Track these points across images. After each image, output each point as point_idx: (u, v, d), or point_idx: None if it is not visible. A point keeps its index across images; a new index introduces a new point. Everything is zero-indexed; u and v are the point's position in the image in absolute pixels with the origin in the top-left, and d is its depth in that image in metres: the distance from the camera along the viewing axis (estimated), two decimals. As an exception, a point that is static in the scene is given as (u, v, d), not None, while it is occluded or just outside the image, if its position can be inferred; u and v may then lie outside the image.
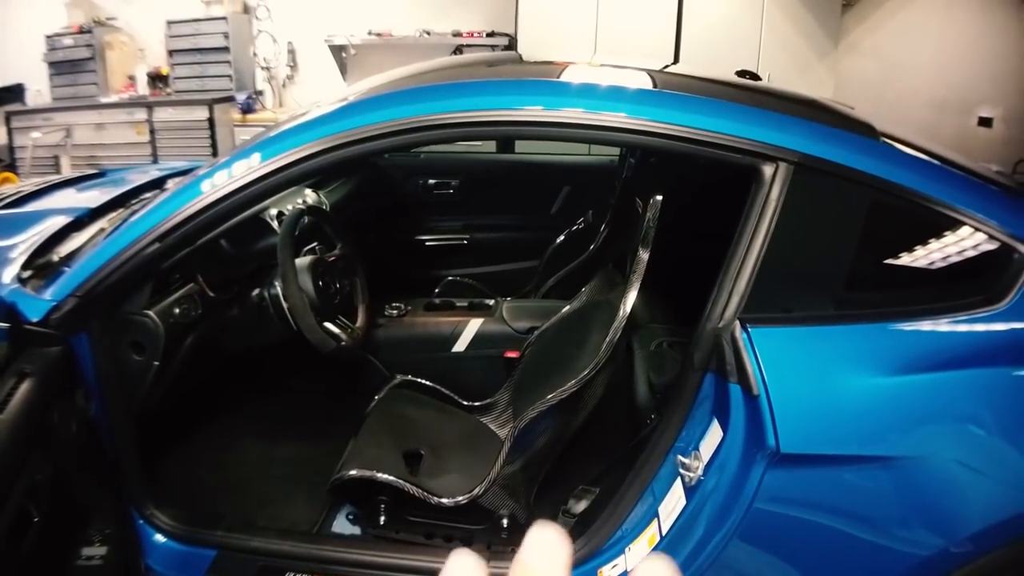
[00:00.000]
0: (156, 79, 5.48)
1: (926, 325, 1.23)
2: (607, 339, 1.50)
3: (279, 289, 1.67)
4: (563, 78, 1.53)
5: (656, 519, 1.42)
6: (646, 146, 1.31)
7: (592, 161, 2.93)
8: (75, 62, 5.56)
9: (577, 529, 1.63)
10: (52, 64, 5.60)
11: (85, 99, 5.50)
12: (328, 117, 1.48)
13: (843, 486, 1.20)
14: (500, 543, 1.79)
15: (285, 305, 1.64)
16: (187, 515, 1.67)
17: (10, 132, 5.33)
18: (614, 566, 1.47)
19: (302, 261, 1.78)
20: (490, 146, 3.31)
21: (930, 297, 1.27)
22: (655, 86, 1.53)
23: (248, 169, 1.40)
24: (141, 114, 5.23)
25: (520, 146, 3.26)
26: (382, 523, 1.81)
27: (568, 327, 1.97)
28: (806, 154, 1.27)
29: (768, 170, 1.27)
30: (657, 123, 1.31)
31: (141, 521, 1.59)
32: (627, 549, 1.46)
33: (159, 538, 1.62)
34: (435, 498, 1.70)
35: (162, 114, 5.23)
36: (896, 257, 1.31)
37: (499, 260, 2.99)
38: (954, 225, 1.28)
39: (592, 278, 1.98)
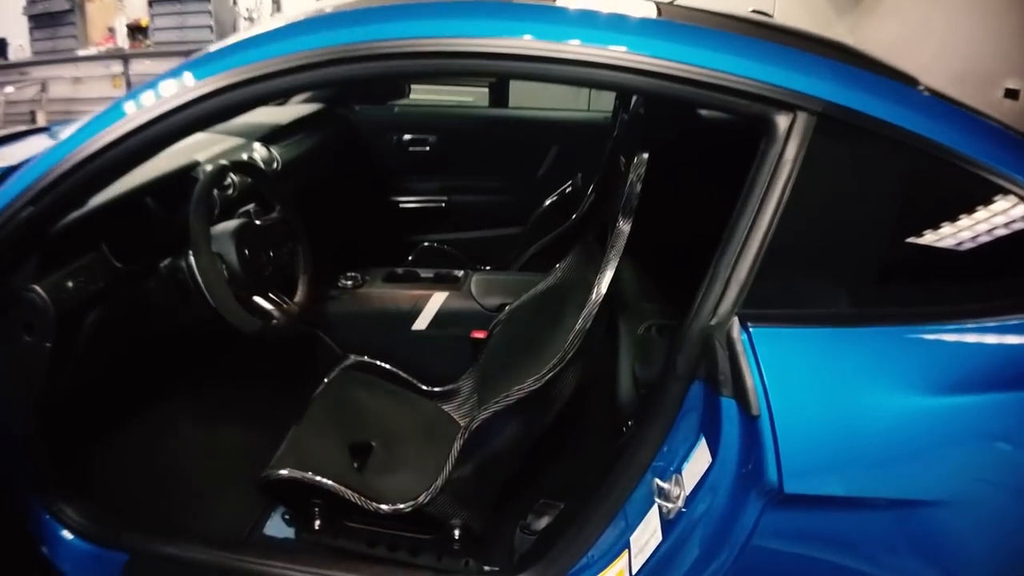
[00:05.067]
0: (136, 31, 5.34)
1: (982, 330, 0.95)
2: (576, 328, 1.23)
3: (192, 259, 1.40)
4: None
5: (627, 550, 1.17)
6: (634, 88, 1.02)
7: (585, 118, 2.63)
8: (55, 15, 5.43)
9: (536, 549, 1.38)
10: (32, 17, 5.47)
11: (63, 52, 5.37)
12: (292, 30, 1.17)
13: (862, 535, 0.94)
14: (451, 555, 1.55)
15: (199, 279, 1.37)
16: (99, 512, 1.47)
17: (-12, 88, 5.16)
18: (576, 600, 1.22)
19: (225, 226, 1.50)
20: (473, 99, 2.99)
21: (987, 294, 0.98)
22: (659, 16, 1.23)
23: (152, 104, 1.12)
24: (117, 67, 5.12)
25: (513, 99, 2.93)
26: (317, 528, 1.57)
27: (540, 307, 1.70)
28: (832, 102, 0.98)
29: (782, 121, 0.98)
30: (652, 59, 1.01)
31: (48, 516, 1.40)
32: (593, 582, 1.21)
33: (66, 535, 1.41)
34: (373, 504, 1.45)
35: (139, 67, 5.07)
36: (943, 240, 1.01)
37: (479, 226, 2.72)
38: (1020, 205, 0.99)
39: (570, 251, 1.70)
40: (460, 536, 1.50)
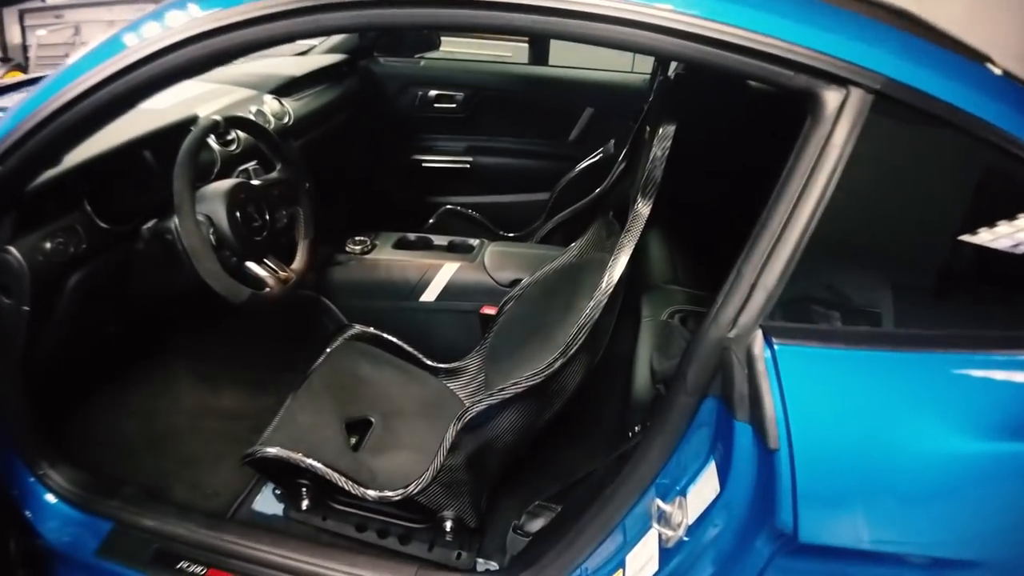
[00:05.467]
0: (171, -26, 5.15)
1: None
2: (579, 321, 1.10)
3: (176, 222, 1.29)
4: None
5: (622, 570, 1.05)
6: (663, 52, 0.86)
7: (623, 80, 2.43)
8: (96, -45, 5.25)
9: (528, 553, 1.28)
10: (73, -41, 5.31)
11: (100, -5, 5.22)
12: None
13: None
14: (443, 546, 1.47)
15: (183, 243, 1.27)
16: (86, 478, 1.42)
17: (23, 30, 5.15)
18: (565, 615, 1.12)
19: (217, 186, 1.39)
20: (512, 55, 2.81)
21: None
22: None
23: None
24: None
25: (554, 57, 2.74)
26: (305, 508, 1.50)
27: (554, 287, 1.57)
28: (893, 79, 0.81)
29: (832, 98, 0.82)
30: (677, 15, 0.85)
31: (32, 480, 1.35)
32: (584, 599, 1.11)
33: (50, 499, 1.36)
34: (361, 489, 1.36)
35: (174, 11, 4.90)
36: (1015, 251, 0.85)
37: (505, 190, 2.57)
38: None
39: (590, 227, 1.56)
40: (453, 528, 1.41)
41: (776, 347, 0.80)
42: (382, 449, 1.54)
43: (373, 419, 1.60)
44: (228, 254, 1.38)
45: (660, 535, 0.96)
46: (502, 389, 1.17)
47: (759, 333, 0.81)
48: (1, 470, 1.29)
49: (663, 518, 0.96)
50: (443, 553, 1.47)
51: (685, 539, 0.92)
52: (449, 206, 2.52)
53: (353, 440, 1.56)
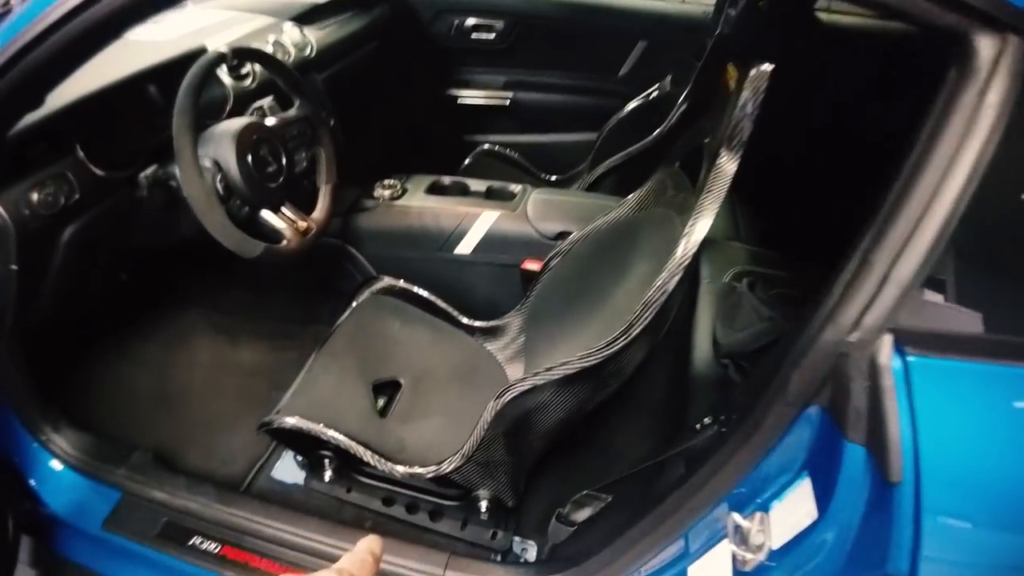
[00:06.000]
0: None
1: None
2: (647, 296, 0.93)
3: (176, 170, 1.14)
4: None
5: (684, 584, 0.92)
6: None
7: (681, 11, 2.17)
8: None
9: (572, 546, 1.16)
10: None
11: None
12: None
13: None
14: (477, 524, 1.35)
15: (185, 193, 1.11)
16: (93, 443, 1.33)
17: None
18: (613, 621, 1.00)
19: (227, 126, 1.23)
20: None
21: None
22: None
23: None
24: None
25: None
26: (328, 479, 1.39)
27: (607, 245, 1.40)
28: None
29: (987, 46, 0.63)
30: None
31: (36, 445, 1.28)
32: (636, 605, 0.99)
33: (56, 466, 1.29)
34: (389, 465, 1.24)
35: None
36: None
37: (548, 129, 2.37)
38: None
39: (650, 176, 1.37)
40: (488, 508, 1.29)
41: (909, 358, 0.63)
42: (411, 416, 1.41)
43: (402, 381, 1.47)
44: (239, 203, 1.23)
45: (736, 556, 0.82)
46: (550, 369, 1.02)
47: (888, 339, 0.64)
48: (1, 436, 1.19)
49: (739, 535, 0.82)
50: (477, 532, 1.36)
51: (770, 565, 0.78)
52: (487, 146, 2.33)
53: (380, 403, 1.43)
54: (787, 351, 0.73)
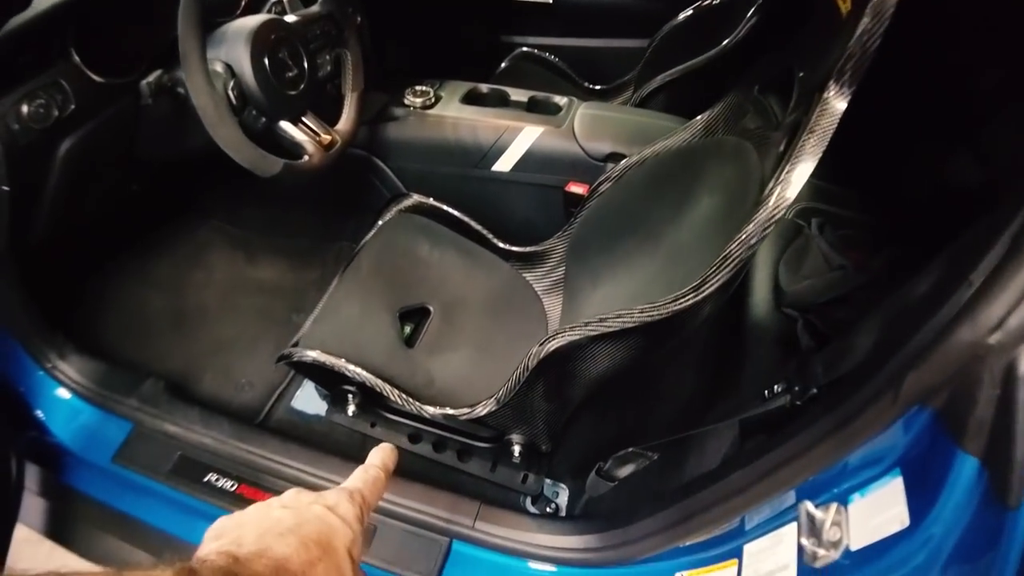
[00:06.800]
0: None
1: None
2: (736, 244, 0.78)
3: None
4: None
5: (737, 563, 0.84)
6: None
7: None
8: None
9: (612, 504, 1.09)
10: None
11: None
12: None
13: None
14: (507, 466, 1.29)
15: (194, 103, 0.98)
16: (102, 370, 1.26)
17: None
18: (654, 591, 0.94)
19: (242, 24, 1.07)
20: None
21: None
22: None
23: None
24: None
25: None
26: (351, 414, 1.32)
27: (666, 174, 1.24)
28: None
29: None
30: None
31: (41, 373, 1.22)
32: (680, 576, 0.92)
33: (63, 394, 1.23)
34: (416, 405, 1.16)
35: None
36: None
37: (594, 32, 2.15)
38: None
39: (721, 98, 1.19)
40: (521, 452, 1.22)
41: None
42: (440, 347, 1.32)
43: (431, 308, 1.37)
44: (254, 114, 1.10)
45: (804, 549, 0.73)
46: (603, 320, 0.91)
47: (1031, 347, 0.52)
48: (4, 364, 1.13)
49: (812, 528, 0.73)
50: (507, 474, 1.30)
51: (844, 564, 0.69)
52: (525, 48, 2.13)
53: (407, 331, 1.34)
54: (901, 341, 0.61)
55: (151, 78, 1.09)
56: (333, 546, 0.47)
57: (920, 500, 0.62)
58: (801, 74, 0.87)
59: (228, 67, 1.03)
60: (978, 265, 0.55)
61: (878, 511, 0.67)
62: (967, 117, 1.16)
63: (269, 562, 0.43)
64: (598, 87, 2.10)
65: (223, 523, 0.51)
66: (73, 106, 1.01)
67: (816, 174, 1.47)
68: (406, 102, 1.55)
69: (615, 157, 1.42)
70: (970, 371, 0.54)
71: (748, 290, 1.25)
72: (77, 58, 1.02)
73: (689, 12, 1.82)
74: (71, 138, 1.03)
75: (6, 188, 0.95)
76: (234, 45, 1.04)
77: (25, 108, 0.95)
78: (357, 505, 0.53)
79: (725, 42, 1.52)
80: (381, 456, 0.58)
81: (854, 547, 0.68)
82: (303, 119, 1.17)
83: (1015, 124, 1.03)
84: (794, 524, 0.77)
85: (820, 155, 0.73)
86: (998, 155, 1.09)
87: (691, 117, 1.18)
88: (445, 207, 1.50)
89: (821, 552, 0.71)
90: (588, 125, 1.48)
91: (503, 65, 2.12)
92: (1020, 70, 0.98)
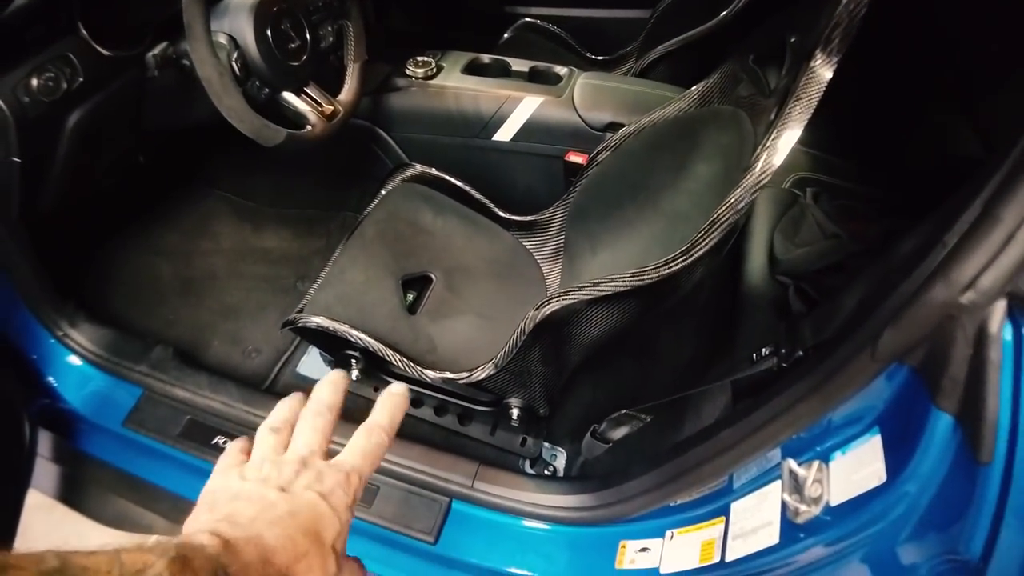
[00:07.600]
0: None
1: None
2: (724, 208, 0.80)
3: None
4: None
5: (725, 520, 0.88)
6: None
7: None
8: None
9: (606, 464, 1.12)
10: None
11: None
12: None
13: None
14: (506, 430, 1.32)
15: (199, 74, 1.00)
16: (112, 337, 1.29)
17: None
18: (643, 548, 0.98)
19: (243, -4, 1.09)
20: None
21: None
22: None
23: None
24: None
25: None
26: (355, 378, 1.35)
27: (663, 142, 1.26)
28: None
29: None
30: None
31: (52, 341, 1.25)
32: (670, 534, 0.95)
33: (74, 361, 1.26)
34: (418, 369, 1.19)
35: None
36: None
37: (595, 2, 2.14)
38: None
39: (717, 68, 1.21)
40: (519, 416, 1.25)
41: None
42: (442, 313, 1.35)
43: (433, 276, 1.40)
44: (258, 84, 1.12)
45: (787, 505, 0.76)
46: (596, 284, 0.93)
47: (1002, 305, 0.54)
48: (16, 333, 1.16)
49: (795, 484, 0.76)
50: (506, 438, 1.34)
51: (824, 520, 0.72)
52: (528, 19, 2.13)
53: (410, 298, 1.37)
54: (879, 301, 0.63)
55: (157, 50, 1.11)
56: (321, 538, 0.47)
57: (897, 457, 0.65)
58: (793, 40, 0.88)
59: (232, 39, 1.05)
60: (952, 227, 0.57)
61: (857, 468, 0.70)
62: (965, 90, 1.17)
63: (258, 551, 0.43)
64: (600, 58, 2.10)
65: (216, 491, 0.50)
66: (81, 79, 1.03)
67: (816, 145, 1.48)
68: (408, 72, 1.56)
69: (614, 127, 1.43)
70: (944, 330, 0.57)
71: (744, 256, 1.27)
72: (84, 32, 1.04)
73: (691, -20, 1.81)
74: (79, 110, 1.05)
75: (17, 159, 0.98)
76: (237, 17, 1.06)
77: (35, 81, 0.98)
78: (351, 493, 0.51)
79: (724, 13, 1.52)
80: (389, 412, 0.56)
81: (834, 503, 0.71)
82: (306, 90, 1.18)
83: (1009, 96, 1.05)
84: (778, 482, 0.81)
85: (806, 122, 0.74)
86: (997, 127, 1.11)
87: (691, 87, 1.19)
88: (447, 177, 1.52)
89: (803, 508, 0.74)
90: (588, 95, 1.49)
91: (506, 35, 2.12)
92: (1014, 44, 0.99)
